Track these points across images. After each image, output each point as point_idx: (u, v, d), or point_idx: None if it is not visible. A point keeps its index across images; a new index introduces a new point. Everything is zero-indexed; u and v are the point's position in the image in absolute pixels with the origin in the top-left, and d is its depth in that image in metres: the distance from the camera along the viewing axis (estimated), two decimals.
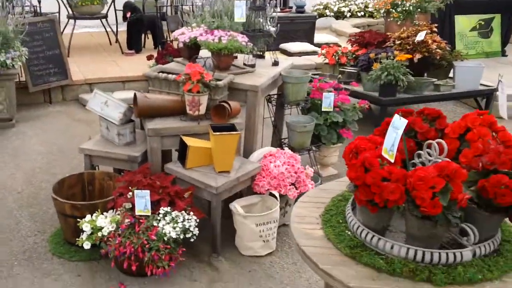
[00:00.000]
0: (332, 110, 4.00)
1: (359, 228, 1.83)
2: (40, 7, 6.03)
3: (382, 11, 6.23)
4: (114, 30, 7.77)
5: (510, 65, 8.41)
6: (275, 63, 4.09)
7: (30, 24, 5.34)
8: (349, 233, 1.87)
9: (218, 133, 3.11)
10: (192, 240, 3.10)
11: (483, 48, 8.46)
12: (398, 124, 1.64)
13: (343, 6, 9.48)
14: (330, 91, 4.02)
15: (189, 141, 3.22)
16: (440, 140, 1.76)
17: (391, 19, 5.86)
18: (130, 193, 3.07)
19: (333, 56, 5.34)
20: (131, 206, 3.05)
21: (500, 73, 2.90)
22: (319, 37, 8.20)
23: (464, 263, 1.70)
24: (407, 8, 5.85)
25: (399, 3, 5.94)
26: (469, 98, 5.69)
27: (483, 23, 8.37)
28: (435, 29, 5.16)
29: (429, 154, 1.80)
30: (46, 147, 4.86)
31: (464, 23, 8.16)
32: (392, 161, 1.67)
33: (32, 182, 4.21)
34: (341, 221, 1.95)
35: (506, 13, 8.55)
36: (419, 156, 1.84)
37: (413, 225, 1.69)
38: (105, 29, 7.67)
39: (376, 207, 1.69)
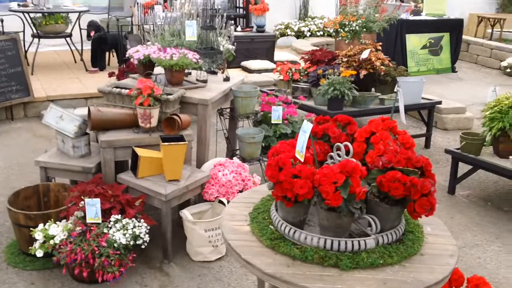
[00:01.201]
0: (281, 122, 4.23)
1: (280, 222, 2.04)
2: (2, 26, 6.16)
3: (331, 30, 6.55)
4: (79, 48, 7.93)
5: (459, 81, 8.87)
6: (227, 79, 4.33)
7: None
8: (272, 227, 2.08)
9: (167, 143, 3.31)
10: (143, 246, 3.26)
11: (433, 65, 8.89)
12: (306, 128, 1.87)
13: (303, 26, 9.84)
14: (279, 105, 4.27)
15: (140, 151, 3.41)
16: (346, 143, 2.00)
17: (340, 38, 6.18)
18: (82, 202, 3.23)
19: (287, 73, 5.61)
20: (83, 214, 3.21)
21: (398, 87, 3.17)
22: (279, 55, 8.51)
23: (368, 250, 1.93)
24: (353, 28, 6.18)
25: (347, 23, 6.27)
26: (413, 111, 6.03)
27: (433, 41, 8.82)
28: (379, 48, 5.49)
29: (338, 155, 2.04)
30: (6, 162, 4.96)
31: (414, 41, 8.58)
32: (303, 160, 1.90)
33: None
34: (266, 217, 2.17)
35: (454, 32, 9.05)
36: (331, 157, 2.07)
37: (323, 217, 1.92)
38: (70, 47, 7.82)
39: (290, 202, 1.92)
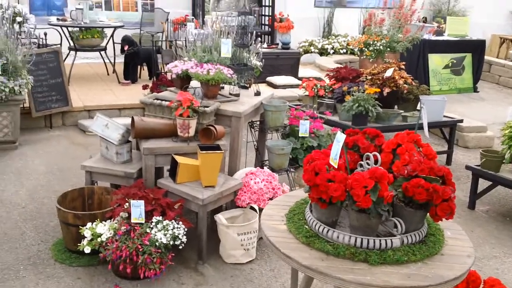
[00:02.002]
0: (308, 135, 4.49)
1: (314, 222, 2.29)
2: (46, 39, 6.55)
3: (356, 49, 6.81)
4: (112, 61, 8.31)
5: (481, 100, 9.03)
6: (257, 93, 4.61)
7: (36, 55, 5.84)
8: (307, 227, 2.33)
9: (204, 152, 3.59)
10: (180, 247, 3.52)
11: (455, 85, 9.08)
12: (339, 138, 2.12)
13: (326, 44, 10.13)
14: (306, 119, 4.52)
15: (179, 159, 3.69)
16: (375, 153, 2.25)
17: (364, 56, 6.42)
18: (127, 204, 3.51)
19: (312, 89, 5.87)
20: (127, 215, 3.49)
21: (422, 105, 3.42)
22: (303, 71, 8.79)
23: (394, 248, 2.16)
24: (378, 48, 6.43)
25: (371, 42, 6.52)
26: (435, 129, 6.24)
27: (455, 61, 9.02)
28: (402, 67, 5.73)
29: (368, 164, 2.29)
30: (47, 167, 5.28)
31: (437, 61, 8.80)
32: (336, 167, 2.15)
33: (34, 198, 4.61)
34: (301, 218, 2.41)
35: (476, 53, 9.24)
36: (361, 165, 2.32)
37: (353, 218, 2.16)
38: (104, 60, 8.20)
39: (325, 203, 2.16)
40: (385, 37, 6.71)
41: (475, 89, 9.34)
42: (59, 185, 4.85)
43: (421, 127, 2.67)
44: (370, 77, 5.44)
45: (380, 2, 8.97)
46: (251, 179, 3.85)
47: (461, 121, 6.06)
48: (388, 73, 5.29)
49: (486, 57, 10.02)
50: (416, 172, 2.15)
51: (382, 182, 2.04)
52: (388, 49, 6.55)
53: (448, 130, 5.95)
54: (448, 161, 6.02)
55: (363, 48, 6.64)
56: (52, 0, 9.45)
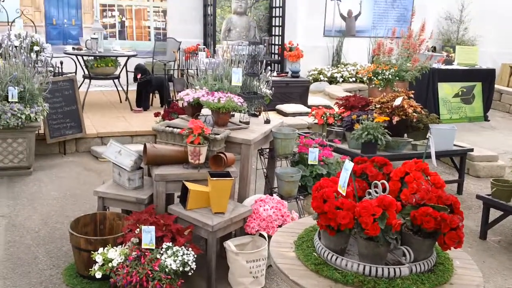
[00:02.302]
0: (317, 163, 4.53)
1: (322, 249, 2.31)
2: (61, 68, 6.70)
3: (365, 78, 6.88)
4: (125, 89, 8.45)
5: (492, 129, 9.03)
6: (267, 121, 4.67)
7: (52, 83, 5.97)
8: (315, 254, 2.36)
9: (215, 178, 3.64)
10: (190, 273, 3.53)
11: (466, 113, 9.11)
12: (347, 166, 2.17)
13: (336, 72, 10.24)
14: (315, 147, 4.57)
15: (190, 185, 3.74)
16: (383, 181, 2.28)
17: (373, 85, 6.49)
18: (138, 230, 3.55)
19: (322, 117, 5.93)
20: (138, 241, 3.52)
21: (429, 134, 3.46)
22: (313, 99, 8.88)
23: (402, 277, 2.18)
24: (386, 77, 6.50)
25: (380, 71, 6.59)
26: (445, 157, 6.24)
27: (465, 90, 9.07)
28: (411, 95, 5.79)
29: (376, 192, 2.32)
30: (60, 193, 5.35)
31: (447, 90, 8.85)
32: (344, 194, 2.19)
33: (47, 223, 4.66)
34: (310, 245, 2.44)
35: (486, 82, 9.29)
36: (369, 193, 2.35)
37: (362, 245, 2.19)
38: (117, 88, 8.35)
39: (333, 230, 2.19)
40: (393, 66, 6.80)
41: (485, 118, 9.35)
42: (71, 210, 4.91)
43: (429, 156, 2.70)
44: (379, 105, 5.49)
45: (388, 32, 9.12)
46: (261, 206, 3.88)
47: (471, 150, 6.07)
48: (397, 101, 5.35)
49: (496, 86, 10.06)
50: (424, 201, 2.18)
51: (390, 210, 2.07)
52: (397, 78, 6.63)
53: (459, 159, 5.95)
54: (459, 191, 6.01)
55: (372, 77, 6.72)
56: (68, 30, 9.69)
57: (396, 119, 5.32)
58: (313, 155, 4.46)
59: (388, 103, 5.47)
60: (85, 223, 3.99)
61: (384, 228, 2.07)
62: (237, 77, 4.49)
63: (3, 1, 8.01)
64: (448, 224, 2.11)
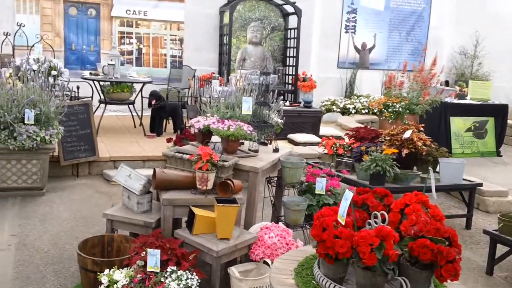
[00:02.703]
0: (324, 193, 4.57)
1: (321, 278, 2.35)
2: (78, 92, 6.87)
3: (376, 110, 6.95)
4: (139, 114, 8.61)
5: (504, 165, 8.99)
6: (276, 150, 4.74)
7: (68, 107, 6.13)
8: (314, 282, 2.39)
9: (221, 204, 3.70)
10: None
11: (478, 148, 9.09)
12: (347, 196, 2.22)
13: (348, 104, 10.33)
14: (323, 177, 4.62)
15: (196, 210, 3.80)
16: (382, 212, 2.32)
17: (384, 117, 6.56)
18: (144, 253, 3.60)
19: (332, 147, 5.99)
20: (143, 263, 3.57)
21: (430, 167, 3.48)
22: (324, 130, 8.95)
23: None
24: (397, 109, 6.56)
25: (391, 104, 6.66)
26: (454, 192, 6.23)
27: (477, 124, 9.07)
28: (421, 129, 5.83)
29: (375, 222, 2.36)
30: (71, 214, 5.43)
31: (459, 124, 8.86)
32: (344, 224, 2.23)
33: (57, 243, 4.73)
34: (309, 273, 2.48)
35: (498, 117, 9.29)
36: (369, 224, 2.40)
37: (359, 275, 2.22)
38: (131, 113, 8.52)
39: (331, 259, 2.23)
40: (404, 99, 6.86)
41: (498, 153, 9.32)
42: (81, 232, 4.98)
43: (429, 189, 2.74)
44: (388, 137, 5.54)
45: (401, 65, 9.23)
46: (266, 234, 3.91)
47: (481, 184, 6.05)
48: (407, 134, 5.39)
49: (509, 121, 10.04)
50: (422, 233, 2.22)
51: (388, 240, 2.11)
52: (407, 111, 6.69)
53: (468, 193, 5.94)
54: (468, 225, 5.97)
55: (383, 109, 6.79)
56: (86, 55, 9.95)
57: (405, 151, 5.36)
58: (321, 184, 4.50)
59: (397, 136, 5.51)
60: (93, 245, 4.06)
61: (381, 258, 2.11)
62: (247, 106, 4.58)
63: (24, 26, 8.28)
64: (445, 256, 2.14)
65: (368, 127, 6.30)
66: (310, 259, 2.62)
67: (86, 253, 3.88)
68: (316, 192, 4.55)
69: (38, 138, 5.56)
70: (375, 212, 2.35)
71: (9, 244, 4.62)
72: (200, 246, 3.71)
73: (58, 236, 4.87)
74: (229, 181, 3.97)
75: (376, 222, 2.36)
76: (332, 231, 2.19)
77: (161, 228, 3.93)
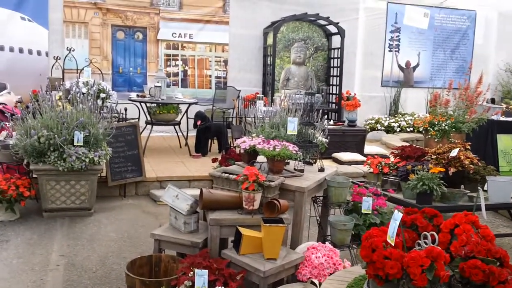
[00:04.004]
0: (370, 212, 4.52)
1: None
2: (125, 114, 7.08)
3: (421, 128, 6.85)
4: (185, 135, 8.77)
5: None
6: (321, 169, 4.74)
7: (116, 128, 6.31)
8: None
9: (268, 224, 3.71)
10: None
11: None
12: (396, 217, 2.20)
13: (393, 122, 10.22)
14: (369, 196, 4.58)
15: (243, 231, 3.83)
16: (432, 232, 2.29)
17: (430, 136, 6.44)
18: (191, 273, 3.65)
19: (377, 166, 5.93)
20: (191, 284, 3.61)
21: (480, 187, 3.38)
22: (369, 148, 8.87)
23: None
24: (443, 128, 6.44)
25: (436, 122, 6.55)
26: (503, 210, 6.03)
27: None
28: (468, 147, 5.70)
29: (425, 243, 2.33)
30: (118, 234, 5.54)
31: (506, 142, 8.58)
32: (393, 244, 2.22)
33: (105, 263, 4.82)
34: None
35: None
36: (419, 244, 2.37)
37: None
38: (177, 134, 8.68)
39: (381, 280, 2.21)
40: (450, 118, 6.73)
41: None
42: (128, 252, 5.07)
43: (479, 208, 2.69)
44: (435, 156, 5.44)
45: (446, 83, 9.10)
46: (313, 254, 3.90)
47: None
48: (453, 153, 5.28)
49: None
50: (473, 253, 2.17)
51: (439, 261, 2.08)
52: (454, 129, 6.56)
53: None
54: None
55: (428, 128, 6.68)
56: (134, 78, 10.24)
57: (452, 170, 5.24)
58: (367, 204, 4.46)
59: (444, 154, 5.41)
60: (141, 265, 4.13)
61: (432, 279, 2.08)
62: (292, 126, 4.62)
63: (73, 51, 8.61)
64: (497, 277, 2.09)
65: (414, 145, 6.21)
66: (359, 280, 2.60)
67: (134, 273, 3.94)
68: (363, 211, 4.51)
69: (87, 160, 5.73)
70: (425, 232, 2.32)
71: (57, 264, 4.74)
72: (247, 266, 3.73)
73: (105, 256, 4.97)
74: (275, 201, 3.99)
75: (426, 243, 2.33)
76: (381, 251, 2.18)
77: (208, 248, 3.98)
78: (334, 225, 4.36)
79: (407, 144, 8.85)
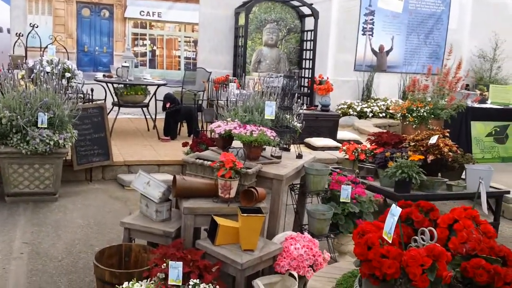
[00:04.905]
0: (349, 201, 4.38)
1: None
2: (92, 95, 6.72)
3: (399, 114, 6.76)
4: (153, 117, 8.46)
5: None
6: (299, 156, 4.56)
7: (82, 109, 5.97)
8: None
9: (246, 214, 3.52)
10: None
11: (499, 153, 8.86)
12: (394, 212, 2.03)
13: (365, 107, 10.13)
14: (348, 184, 4.43)
15: (219, 220, 3.62)
16: (431, 228, 2.14)
17: (407, 122, 6.35)
18: (164, 265, 3.43)
19: (353, 153, 5.80)
20: (164, 276, 3.40)
21: (480, 179, 3.28)
22: (341, 134, 8.75)
23: None
24: (421, 114, 6.35)
25: (414, 108, 6.45)
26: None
27: (498, 129, 8.84)
28: (447, 134, 5.63)
29: (422, 239, 2.17)
30: (85, 220, 5.28)
31: (480, 129, 8.64)
32: (390, 241, 2.05)
33: (71, 252, 4.58)
34: None
35: None
36: (415, 240, 2.21)
37: None
38: (145, 116, 8.37)
39: (377, 280, 2.05)
40: (428, 104, 6.63)
41: None
42: (96, 240, 4.83)
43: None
44: (413, 143, 5.34)
45: (421, 68, 9.04)
46: (291, 245, 3.73)
47: (508, 192, 5.85)
48: (433, 140, 5.19)
49: None
50: (475, 251, 2.03)
51: (441, 261, 1.93)
52: (432, 115, 6.47)
53: (494, 201, 5.73)
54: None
55: (406, 114, 6.58)
56: (99, 57, 9.83)
57: (430, 157, 5.16)
58: (346, 192, 4.31)
59: (422, 141, 5.32)
60: (110, 255, 3.89)
61: (433, 281, 1.93)
62: (270, 110, 4.41)
63: (37, 27, 8.13)
64: (502, 278, 1.96)
65: (390, 132, 6.10)
66: (349, 277, 2.44)
67: (103, 263, 3.71)
68: (341, 200, 4.37)
69: (52, 142, 5.41)
70: (423, 228, 2.16)
71: (21, 252, 4.48)
72: (224, 258, 3.53)
73: (72, 244, 4.72)
74: (253, 189, 3.79)
75: (423, 239, 2.17)
76: (378, 249, 2.01)
77: (181, 239, 3.76)
78: (313, 214, 4.21)
79: (380, 129, 8.79)
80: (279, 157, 4.41)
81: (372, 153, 5.69)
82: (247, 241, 3.57)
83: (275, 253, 3.71)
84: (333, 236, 4.39)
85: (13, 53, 8.02)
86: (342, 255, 4.56)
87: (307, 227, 4.40)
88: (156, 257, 3.55)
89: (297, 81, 9.63)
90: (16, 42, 8.09)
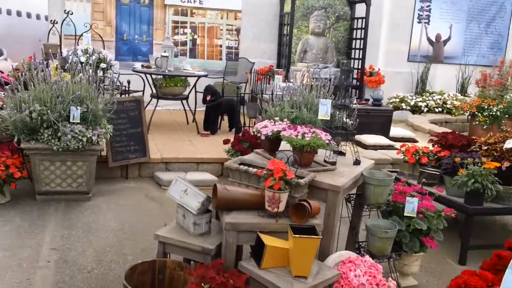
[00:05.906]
0: (415, 216, 3.80)
1: None
2: (129, 87, 6.30)
3: (467, 114, 6.06)
4: (193, 110, 8.02)
5: None
6: (357, 162, 3.99)
7: (118, 103, 5.55)
8: None
9: (298, 236, 2.98)
10: None
11: None
12: None
13: (420, 101, 9.40)
14: (414, 196, 3.84)
15: (266, 239, 3.11)
16: None
17: (476, 122, 5.66)
18: None
19: (413, 155, 5.18)
20: None
21: None
22: (394, 130, 8.10)
23: None
24: (494, 113, 5.65)
25: (486, 107, 5.75)
26: None
27: None
28: None
29: None
30: (119, 224, 4.87)
31: None
32: None
33: (102, 261, 4.18)
34: None
35: None
36: None
37: None
38: (185, 109, 7.93)
39: None
40: (502, 102, 5.91)
41: None
42: (129, 247, 4.43)
43: None
44: (485, 147, 4.68)
45: (482, 59, 8.22)
46: (351, 271, 3.19)
47: None
48: (508, 144, 4.52)
49: None
50: None
51: None
52: (506, 115, 5.75)
53: None
54: None
55: (476, 112, 5.88)
56: (139, 46, 9.44)
57: (506, 164, 4.50)
58: (412, 206, 3.73)
59: (496, 145, 4.65)
60: (142, 271, 3.43)
61: None
62: (325, 110, 3.84)
63: (72, 14, 7.72)
64: None
65: (456, 132, 5.43)
66: None
67: (134, 280, 3.28)
68: (405, 214, 3.79)
69: (84, 139, 5.02)
70: None
71: (48, 261, 4.11)
72: (271, 285, 3.02)
73: (103, 252, 4.32)
74: (305, 203, 3.26)
75: None
76: None
77: (222, 258, 3.27)
78: (373, 231, 3.64)
79: (436, 126, 8.09)
80: (334, 163, 3.86)
81: (435, 156, 5.05)
82: (298, 266, 3.05)
83: (332, 280, 3.17)
84: (398, 258, 3.81)
85: (48, 41, 7.66)
86: (405, 276, 3.98)
87: (364, 245, 3.84)
88: (193, 280, 3.07)
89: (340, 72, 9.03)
90: (51, 29, 7.72)
